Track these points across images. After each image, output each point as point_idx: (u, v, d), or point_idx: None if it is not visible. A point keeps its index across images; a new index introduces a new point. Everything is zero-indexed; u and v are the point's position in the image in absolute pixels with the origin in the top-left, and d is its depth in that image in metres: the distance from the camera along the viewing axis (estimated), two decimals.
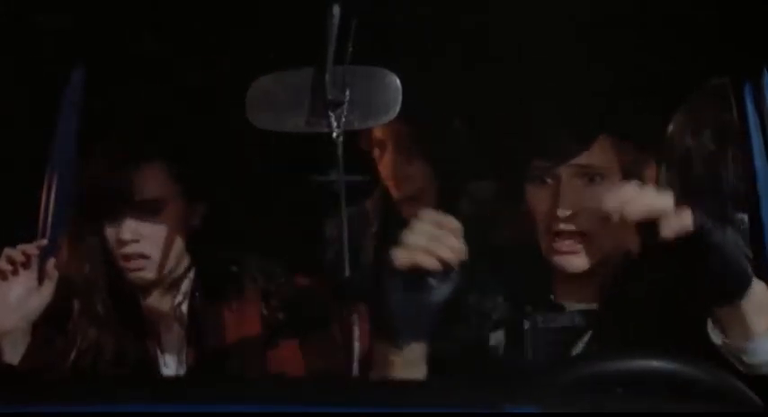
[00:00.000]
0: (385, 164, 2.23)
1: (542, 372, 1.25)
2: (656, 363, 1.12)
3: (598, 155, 1.47)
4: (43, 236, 1.52)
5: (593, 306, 1.55)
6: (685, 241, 1.22)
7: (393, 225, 2.33)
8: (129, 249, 1.52)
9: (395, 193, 2.28)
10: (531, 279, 1.58)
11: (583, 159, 1.47)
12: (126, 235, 1.50)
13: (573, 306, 1.56)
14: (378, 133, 2.21)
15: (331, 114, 1.14)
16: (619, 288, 1.52)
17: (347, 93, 1.14)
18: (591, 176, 1.47)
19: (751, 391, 1.13)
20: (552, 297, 1.56)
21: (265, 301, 1.59)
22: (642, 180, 1.51)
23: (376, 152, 2.25)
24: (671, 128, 1.86)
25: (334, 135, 1.14)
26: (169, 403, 0.98)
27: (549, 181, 1.48)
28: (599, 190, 1.46)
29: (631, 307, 1.49)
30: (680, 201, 1.41)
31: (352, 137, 1.17)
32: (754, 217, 1.50)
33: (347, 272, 1.19)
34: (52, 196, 1.53)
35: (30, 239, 1.51)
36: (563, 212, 1.44)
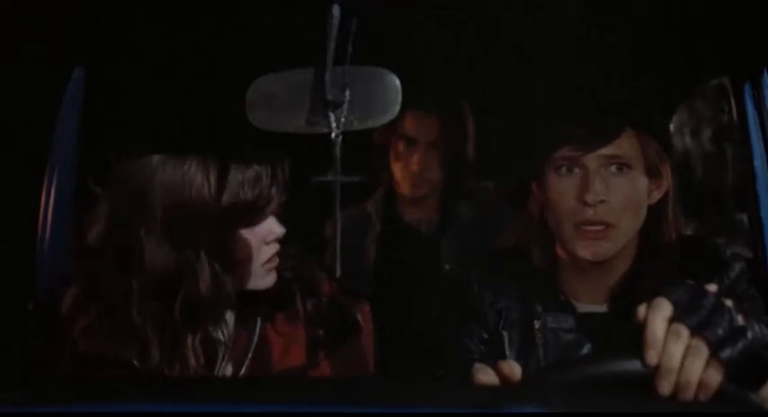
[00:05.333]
0: (410, 162, 2.23)
1: (544, 372, 1.25)
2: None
3: (625, 147, 1.50)
4: (43, 236, 1.52)
5: (603, 307, 1.56)
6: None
7: (395, 227, 2.35)
8: (274, 248, 1.43)
9: (406, 192, 2.28)
10: (542, 280, 1.59)
11: (611, 149, 1.49)
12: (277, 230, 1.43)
13: (583, 307, 1.57)
14: (409, 130, 2.21)
15: (331, 114, 1.14)
16: (626, 290, 1.53)
17: (347, 93, 1.14)
18: (618, 166, 1.49)
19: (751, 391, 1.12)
20: (563, 298, 1.57)
21: (308, 321, 1.49)
22: (661, 178, 1.53)
23: (400, 147, 2.25)
24: (671, 128, 1.86)
25: (333, 135, 1.14)
26: (170, 403, 0.98)
27: (576, 170, 1.49)
28: (625, 180, 1.49)
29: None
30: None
31: (359, 134, 1.16)
32: (754, 217, 1.50)
33: (338, 273, 1.19)
34: (52, 196, 1.53)
35: (30, 239, 1.51)
36: (593, 198, 1.46)
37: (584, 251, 1.50)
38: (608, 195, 1.47)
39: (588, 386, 1.05)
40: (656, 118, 1.60)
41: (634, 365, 1.06)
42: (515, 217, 1.75)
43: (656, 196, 1.55)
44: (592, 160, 1.48)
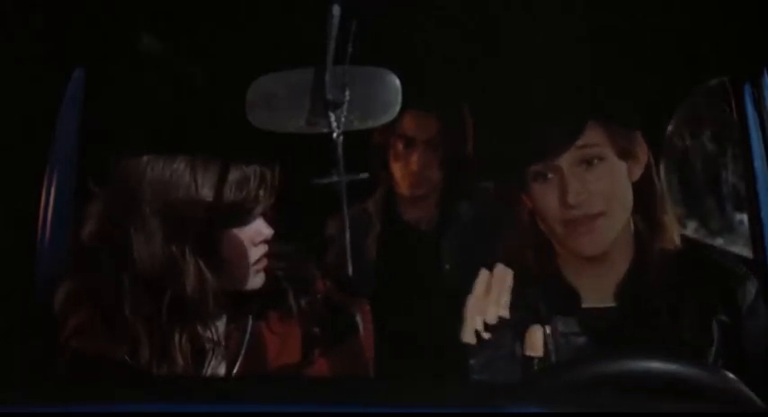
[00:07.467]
0: (409, 162, 2.24)
1: (543, 373, 1.26)
2: (657, 364, 1.12)
3: (592, 138, 1.51)
4: (43, 236, 1.51)
5: (612, 305, 1.56)
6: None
7: (395, 227, 2.35)
8: (263, 249, 1.43)
9: (406, 192, 2.29)
10: (546, 285, 1.58)
11: (579, 142, 1.49)
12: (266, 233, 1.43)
13: (591, 306, 1.56)
14: (408, 130, 2.22)
15: (331, 114, 1.14)
16: (632, 285, 1.54)
17: (347, 93, 1.13)
18: (589, 160, 1.50)
19: (751, 391, 1.13)
20: (570, 300, 1.56)
21: (303, 318, 1.49)
22: (637, 159, 1.54)
23: (399, 147, 2.25)
24: (671, 128, 1.86)
25: (334, 135, 1.14)
26: (171, 403, 0.98)
27: (550, 175, 1.50)
28: (601, 171, 1.49)
29: (646, 304, 1.51)
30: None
31: (359, 134, 1.16)
32: (754, 217, 1.50)
33: (350, 271, 1.19)
34: (52, 196, 1.53)
35: (30, 239, 1.51)
36: (574, 198, 1.47)
37: (581, 247, 1.51)
38: (588, 191, 1.48)
39: (588, 387, 1.05)
40: (618, 103, 1.59)
41: (635, 365, 1.06)
42: (510, 224, 1.74)
43: (638, 172, 1.56)
44: (564, 160, 1.49)
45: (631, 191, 1.54)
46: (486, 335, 1.43)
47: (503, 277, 1.44)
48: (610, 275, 1.56)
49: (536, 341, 1.45)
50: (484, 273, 1.46)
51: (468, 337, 1.45)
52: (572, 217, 1.49)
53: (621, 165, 1.53)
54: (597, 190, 1.49)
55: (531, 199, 1.55)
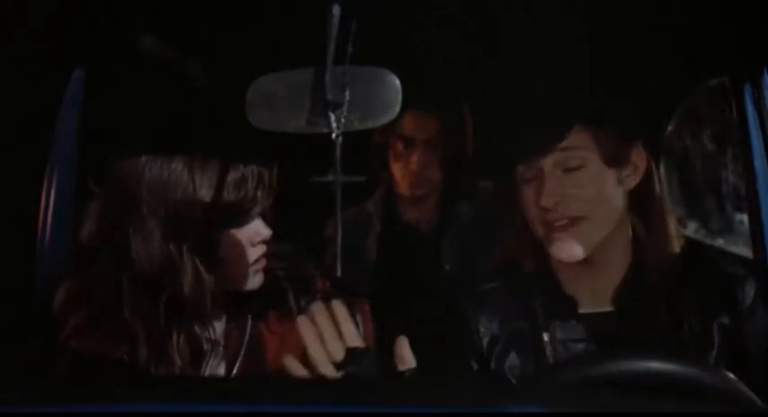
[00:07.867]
0: (409, 162, 2.24)
1: (543, 373, 1.25)
2: (656, 364, 1.12)
3: (576, 141, 1.49)
4: (43, 236, 1.52)
5: (610, 309, 1.55)
6: None
7: (395, 227, 2.35)
8: (261, 250, 1.43)
9: (406, 192, 2.29)
10: (543, 291, 1.57)
11: (562, 144, 1.48)
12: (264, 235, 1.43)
13: (589, 311, 1.56)
14: (408, 130, 2.22)
15: (331, 114, 1.13)
16: (630, 289, 1.53)
17: (347, 93, 1.13)
18: (571, 165, 1.49)
19: (751, 391, 1.13)
20: (567, 305, 1.56)
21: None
22: (631, 165, 1.53)
23: (399, 147, 2.26)
24: (671, 128, 1.86)
25: (333, 135, 1.14)
26: (170, 403, 0.98)
27: (532, 178, 1.50)
28: (580, 177, 1.48)
29: (645, 307, 1.50)
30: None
31: (359, 134, 1.16)
32: (754, 217, 1.50)
33: (339, 272, 1.19)
34: (52, 196, 1.53)
35: (30, 239, 1.51)
36: (546, 201, 1.47)
37: (559, 252, 1.50)
38: (564, 195, 1.47)
39: (588, 387, 1.05)
40: (617, 109, 1.58)
41: (635, 365, 1.06)
42: (510, 224, 1.74)
43: (633, 180, 1.54)
44: (546, 162, 1.49)
45: (621, 199, 1.53)
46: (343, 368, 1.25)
47: (323, 314, 1.26)
48: (607, 279, 1.55)
49: (404, 351, 1.27)
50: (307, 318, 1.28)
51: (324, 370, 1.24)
52: (548, 220, 1.48)
53: (608, 173, 1.51)
54: (576, 195, 1.47)
55: (520, 201, 1.55)
